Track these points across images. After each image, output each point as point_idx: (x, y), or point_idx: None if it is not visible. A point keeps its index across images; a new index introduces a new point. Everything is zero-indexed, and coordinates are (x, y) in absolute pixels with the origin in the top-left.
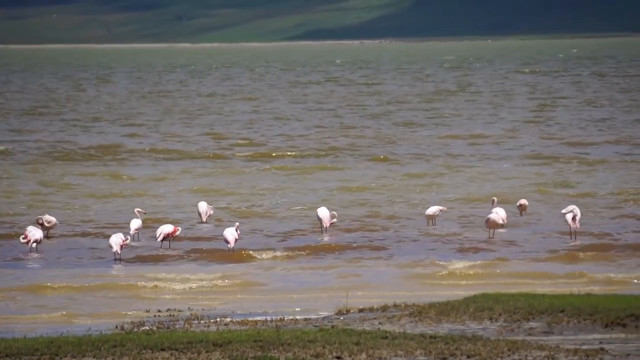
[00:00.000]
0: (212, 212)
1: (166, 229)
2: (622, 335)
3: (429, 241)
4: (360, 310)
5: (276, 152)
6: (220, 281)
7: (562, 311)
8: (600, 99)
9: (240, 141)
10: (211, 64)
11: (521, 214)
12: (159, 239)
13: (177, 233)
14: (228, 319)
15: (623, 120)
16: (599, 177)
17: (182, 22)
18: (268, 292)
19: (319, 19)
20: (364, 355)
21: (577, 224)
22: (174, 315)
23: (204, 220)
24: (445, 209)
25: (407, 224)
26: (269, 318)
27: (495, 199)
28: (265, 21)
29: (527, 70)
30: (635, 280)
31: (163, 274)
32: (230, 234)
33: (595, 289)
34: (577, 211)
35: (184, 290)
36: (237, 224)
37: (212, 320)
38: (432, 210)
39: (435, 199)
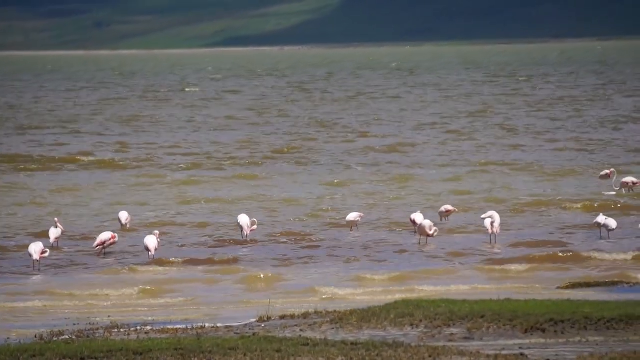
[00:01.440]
0: (128, 221)
1: (104, 236)
2: (542, 341)
3: (351, 247)
4: (282, 317)
5: (207, 162)
6: (141, 290)
7: (482, 317)
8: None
9: (169, 150)
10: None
11: (441, 219)
12: (95, 245)
13: (115, 240)
14: (148, 327)
15: (544, 126)
16: (522, 183)
17: (101, 29)
18: (189, 300)
19: (240, 25)
20: None
21: (497, 229)
22: (93, 324)
23: (127, 227)
24: (364, 215)
25: (329, 231)
26: (189, 326)
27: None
28: (185, 28)
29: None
30: (549, 286)
31: (81, 283)
32: (151, 242)
33: (514, 295)
34: (496, 217)
35: (104, 299)
36: (156, 232)
37: (132, 329)
38: (352, 216)
39: (355, 205)
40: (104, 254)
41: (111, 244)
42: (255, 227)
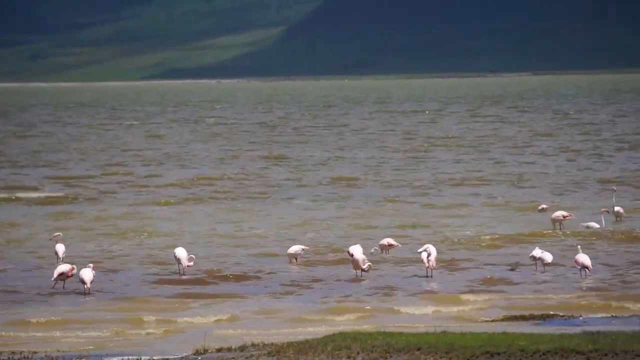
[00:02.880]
0: (64, 255)
1: (62, 268)
2: None
3: (291, 280)
4: (219, 350)
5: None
6: (76, 323)
7: (419, 349)
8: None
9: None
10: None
11: (382, 252)
12: (53, 279)
13: (74, 272)
14: None
15: (477, 158)
16: (460, 217)
17: (37, 61)
18: (127, 331)
19: (178, 57)
20: None
21: (433, 262)
22: (29, 358)
23: (61, 260)
24: (307, 247)
25: (269, 263)
26: (125, 358)
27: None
28: (123, 60)
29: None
30: (485, 318)
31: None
32: (87, 274)
33: (451, 328)
34: (432, 250)
35: (39, 329)
36: (90, 264)
37: None
38: (294, 249)
39: (297, 238)
40: (63, 287)
41: (69, 276)
42: (192, 263)
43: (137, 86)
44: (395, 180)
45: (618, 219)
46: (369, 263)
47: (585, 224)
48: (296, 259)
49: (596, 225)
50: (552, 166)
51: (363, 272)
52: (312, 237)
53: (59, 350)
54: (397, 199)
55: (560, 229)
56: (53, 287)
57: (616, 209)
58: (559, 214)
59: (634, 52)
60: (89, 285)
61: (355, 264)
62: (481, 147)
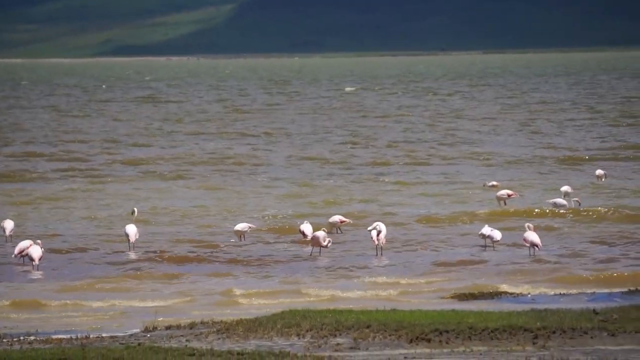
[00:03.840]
0: (12, 232)
1: (23, 244)
2: (427, 350)
3: (240, 258)
4: (168, 328)
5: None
6: (23, 299)
7: (368, 327)
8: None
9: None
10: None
11: (332, 230)
12: (15, 253)
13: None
14: (32, 338)
15: (420, 135)
16: (412, 197)
17: None
18: (71, 310)
19: (127, 35)
20: None
21: (382, 240)
22: None
23: (11, 238)
24: (254, 226)
25: (221, 241)
26: (74, 336)
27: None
28: (71, 37)
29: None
30: (434, 297)
31: None
32: (36, 251)
33: (400, 305)
34: (382, 227)
35: None
36: (39, 241)
37: (15, 339)
38: (241, 226)
39: (244, 216)
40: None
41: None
42: (136, 237)
43: (85, 63)
44: (354, 157)
45: (574, 201)
46: (330, 239)
47: (552, 200)
48: (243, 236)
49: (563, 202)
50: (511, 144)
51: (322, 249)
52: (266, 214)
53: (6, 327)
54: (355, 177)
55: (504, 205)
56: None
57: (563, 188)
58: (504, 192)
59: (581, 31)
60: (37, 262)
61: (315, 241)
62: (440, 124)
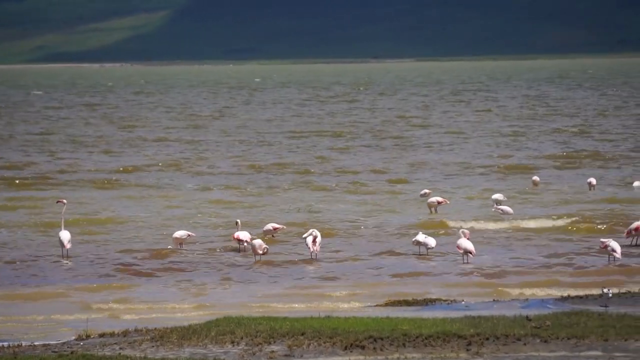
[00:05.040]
0: None
1: None
2: (361, 357)
3: (176, 266)
4: (101, 335)
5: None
6: None
7: (302, 334)
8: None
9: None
10: None
11: (266, 236)
12: None
13: None
14: None
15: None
16: (344, 203)
17: None
18: (10, 317)
19: (60, 41)
20: None
21: (318, 247)
22: None
23: None
24: (193, 234)
25: (153, 248)
26: (5, 344)
27: (238, 221)
28: (4, 43)
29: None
30: (369, 304)
31: None
32: None
33: (334, 312)
34: (318, 234)
35: None
36: None
37: None
38: (180, 234)
39: (184, 223)
40: None
41: None
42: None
43: (16, 70)
44: (292, 165)
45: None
46: (266, 246)
47: (500, 207)
48: (181, 244)
49: (509, 210)
50: (447, 152)
51: (261, 256)
52: (202, 221)
53: None
54: (292, 184)
55: (435, 212)
56: None
57: (495, 196)
58: (434, 199)
59: (514, 39)
60: None
61: (254, 249)
62: (381, 133)
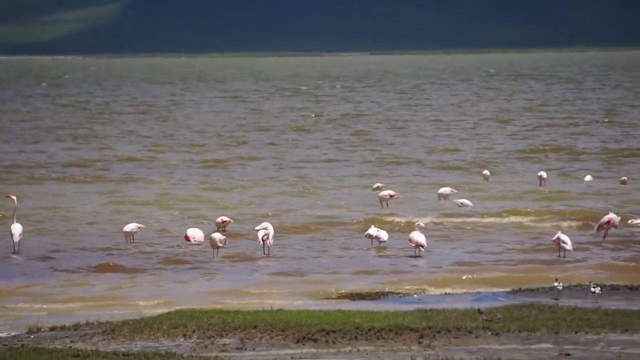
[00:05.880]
0: None
1: None
2: (314, 350)
3: (127, 261)
4: (52, 329)
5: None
6: None
7: (255, 327)
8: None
9: None
10: None
11: (223, 230)
12: None
13: None
14: None
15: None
16: (301, 199)
17: None
18: None
19: (10, 33)
20: None
21: (270, 241)
22: None
23: None
24: (143, 226)
25: (111, 242)
26: None
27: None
28: None
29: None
30: (321, 297)
31: None
32: None
33: (287, 306)
34: (270, 228)
35: None
36: None
37: None
38: (130, 227)
39: (133, 216)
40: None
41: None
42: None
43: None
44: (245, 159)
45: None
46: (225, 239)
47: (460, 201)
48: (132, 237)
49: (468, 203)
50: (401, 146)
51: (218, 250)
52: (159, 215)
53: None
54: (248, 178)
55: (386, 205)
56: None
57: (442, 190)
58: (386, 192)
59: (467, 33)
60: None
61: (213, 242)
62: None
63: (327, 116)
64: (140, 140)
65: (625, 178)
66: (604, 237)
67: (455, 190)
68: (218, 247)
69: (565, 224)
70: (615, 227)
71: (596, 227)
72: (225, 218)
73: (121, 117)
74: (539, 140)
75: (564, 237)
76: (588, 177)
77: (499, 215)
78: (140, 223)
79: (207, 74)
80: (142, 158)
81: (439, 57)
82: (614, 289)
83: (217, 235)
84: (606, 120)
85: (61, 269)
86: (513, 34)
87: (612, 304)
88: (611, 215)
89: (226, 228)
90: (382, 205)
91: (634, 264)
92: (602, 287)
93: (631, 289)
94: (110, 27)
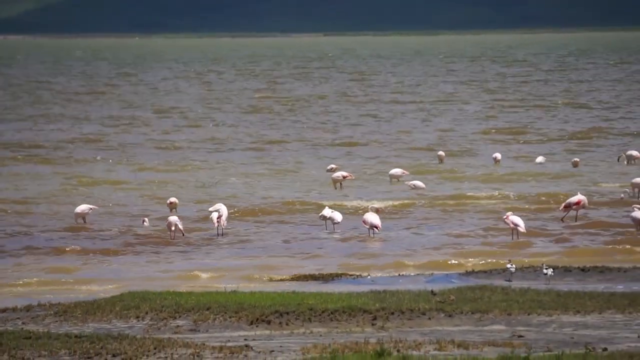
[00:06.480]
0: None
1: None
2: (267, 332)
3: (88, 240)
4: (3, 311)
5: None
6: None
7: (208, 309)
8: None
9: None
10: None
11: (171, 211)
12: None
13: None
14: None
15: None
16: (261, 183)
17: None
18: None
19: None
20: (5, 356)
21: (224, 222)
22: None
23: None
24: (94, 207)
25: (53, 225)
26: None
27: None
28: None
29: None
30: (275, 279)
31: None
32: None
33: (241, 287)
34: (224, 210)
35: None
36: None
37: None
38: (82, 208)
39: (86, 198)
40: None
41: None
42: None
43: None
44: (201, 141)
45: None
46: (180, 221)
47: (412, 182)
48: (84, 219)
49: (421, 184)
50: (355, 127)
51: (174, 232)
52: (114, 197)
53: None
54: (203, 160)
55: (340, 187)
56: None
57: (393, 171)
58: (339, 174)
59: (420, 15)
60: None
61: (169, 226)
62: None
63: (282, 97)
64: (92, 120)
65: (578, 159)
66: (575, 220)
67: (406, 172)
68: (173, 230)
69: (518, 205)
70: (585, 208)
71: (562, 206)
72: (173, 199)
73: (76, 97)
74: (494, 122)
75: (516, 219)
76: (540, 158)
77: (452, 197)
78: (92, 204)
79: (162, 54)
80: (95, 139)
81: (392, 39)
82: (567, 270)
83: (174, 218)
84: (559, 102)
85: (13, 251)
86: (465, 15)
87: (564, 285)
88: (580, 197)
89: (177, 209)
90: (335, 187)
91: (587, 245)
92: (554, 268)
93: (583, 270)
94: (63, 6)
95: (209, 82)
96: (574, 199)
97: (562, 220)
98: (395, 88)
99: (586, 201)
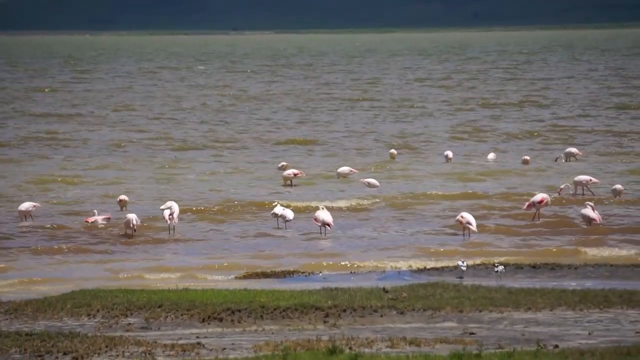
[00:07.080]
0: None
1: None
2: (219, 330)
3: (39, 239)
4: None
5: None
6: None
7: (160, 306)
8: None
9: None
10: None
11: (122, 209)
12: None
13: None
14: None
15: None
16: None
17: None
18: None
19: None
20: None
21: (175, 220)
22: None
23: None
24: (38, 204)
25: (12, 222)
26: None
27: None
28: None
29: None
30: (227, 277)
31: None
32: None
33: (193, 285)
34: (175, 207)
35: None
36: None
37: None
38: (25, 206)
39: (32, 195)
40: None
41: None
42: None
43: None
44: (155, 139)
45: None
46: (138, 219)
47: (366, 180)
48: (29, 216)
49: (375, 182)
50: (307, 125)
51: (133, 230)
52: (53, 196)
53: None
54: (153, 157)
55: (291, 184)
56: None
57: (341, 169)
58: (290, 172)
59: (372, 12)
60: None
61: (127, 224)
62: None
63: (235, 95)
64: (46, 117)
65: (528, 157)
66: (537, 218)
67: (355, 170)
68: (131, 228)
69: (469, 202)
70: (547, 205)
71: (525, 205)
72: (123, 197)
73: (28, 95)
74: (447, 119)
75: (468, 216)
76: (491, 155)
77: (405, 195)
78: (37, 202)
79: (118, 51)
80: (44, 137)
81: (344, 37)
82: (518, 267)
83: (132, 216)
84: (513, 101)
85: None
86: (417, 12)
87: (515, 282)
88: (543, 195)
89: (124, 208)
90: (286, 184)
91: (537, 242)
92: (505, 266)
93: (534, 267)
94: (12, 3)
95: (162, 80)
96: (537, 198)
97: (532, 219)
98: (350, 85)
99: (549, 199)
